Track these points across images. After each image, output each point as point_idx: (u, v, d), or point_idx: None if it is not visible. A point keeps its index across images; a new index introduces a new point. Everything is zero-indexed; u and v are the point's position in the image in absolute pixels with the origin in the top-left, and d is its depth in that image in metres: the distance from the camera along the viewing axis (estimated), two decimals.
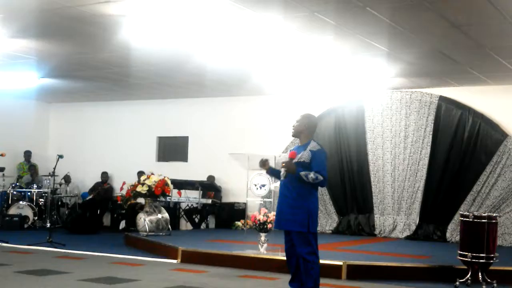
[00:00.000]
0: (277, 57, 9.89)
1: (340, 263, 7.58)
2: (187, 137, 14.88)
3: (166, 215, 11.15)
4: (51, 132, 16.54)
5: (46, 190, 13.66)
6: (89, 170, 15.42)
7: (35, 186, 13.93)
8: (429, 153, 11.98)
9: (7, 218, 12.88)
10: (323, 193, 12.79)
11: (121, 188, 11.85)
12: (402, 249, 10.04)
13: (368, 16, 7.41)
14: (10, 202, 13.44)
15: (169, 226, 11.16)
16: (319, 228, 12.75)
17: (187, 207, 13.82)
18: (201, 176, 13.77)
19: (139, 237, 10.47)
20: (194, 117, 14.72)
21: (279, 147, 12.50)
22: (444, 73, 10.79)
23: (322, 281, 6.74)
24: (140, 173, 12.91)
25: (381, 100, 12.50)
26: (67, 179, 14.68)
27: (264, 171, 6.09)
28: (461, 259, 7.12)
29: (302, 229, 5.64)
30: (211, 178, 13.91)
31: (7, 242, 10.10)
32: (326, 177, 5.66)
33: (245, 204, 12.76)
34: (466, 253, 7.01)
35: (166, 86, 13.19)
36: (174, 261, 8.67)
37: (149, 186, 10.81)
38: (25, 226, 13.02)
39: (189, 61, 10.34)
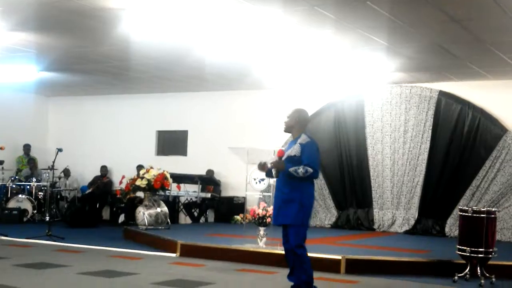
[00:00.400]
0: (277, 51, 9.87)
1: (339, 257, 7.59)
2: (187, 131, 14.87)
3: (165, 209, 11.15)
4: (50, 125, 16.53)
5: (45, 183, 13.65)
6: (88, 164, 15.42)
7: (34, 179, 13.92)
8: (428, 148, 11.98)
9: (6, 211, 12.88)
10: (322, 188, 12.79)
11: (120, 182, 11.88)
12: (401, 243, 10.05)
13: (367, 10, 7.40)
14: (9, 196, 13.44)
15: (168, 220, 11.16)
16: (318, 223, 12.88)
17: (186, 201, 13.82)
18: (200, 170, 13.75)
19: (138, 231, 10.47)
20: (193, 111, 14.70)
21: (278, 141, 12.44)
22: (443, 67, 10.77)
23: (321, 275, 6.75)
24: (140, 167, 12.91)
25: (381, 95, 12.48)
26: (66, 172, 14.67)
27: (264, 173, 6.16)
28: (460, 254, 7.12)
29: (294, 222, 5.68)
30: (210, 172, 13.89)
31: (6, 236, 10.10)
32: (317, 169, 5.67)
33: (244, 198, 12.80)
34: (465, 248, 7.02)
35: (166, 80, 13.17)
36: (173, 254, 8.68)
37: (148, 180, 10.81)
38: (24, 219, 13.01)
39: (189, 55, 10.32)
